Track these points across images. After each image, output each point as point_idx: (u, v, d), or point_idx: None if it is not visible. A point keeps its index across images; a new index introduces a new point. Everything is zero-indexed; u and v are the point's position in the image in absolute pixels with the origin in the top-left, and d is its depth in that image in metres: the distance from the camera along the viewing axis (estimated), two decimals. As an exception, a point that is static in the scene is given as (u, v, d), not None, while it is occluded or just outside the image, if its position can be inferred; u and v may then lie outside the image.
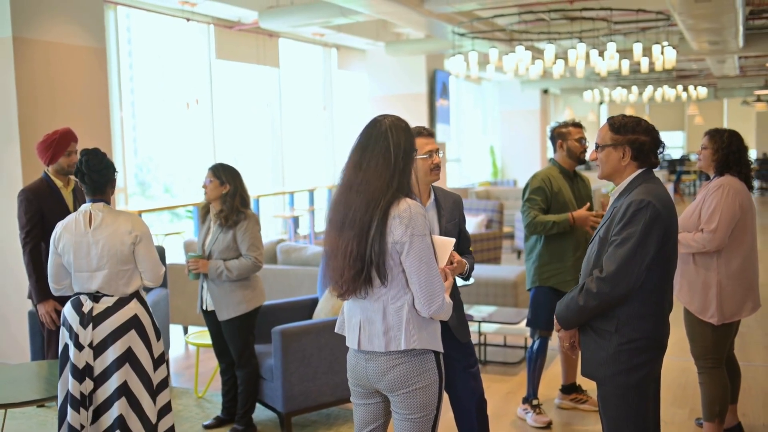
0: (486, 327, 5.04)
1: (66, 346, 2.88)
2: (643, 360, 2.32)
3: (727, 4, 6.67)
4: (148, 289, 4.04)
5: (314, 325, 3.69)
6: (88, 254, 2.86)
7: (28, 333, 4.32)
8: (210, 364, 4.90)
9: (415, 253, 2.04)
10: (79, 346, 2.83)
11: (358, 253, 2.06)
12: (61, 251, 2.89)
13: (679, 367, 4.59)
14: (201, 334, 4.42)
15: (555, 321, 2.50)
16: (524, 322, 4.77)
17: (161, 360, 2.98)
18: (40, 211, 3.66)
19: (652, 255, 2.26)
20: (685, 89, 16.81)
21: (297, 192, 9.46)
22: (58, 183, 3.76)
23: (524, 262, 3.93)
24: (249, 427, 3.73)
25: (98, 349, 2.84)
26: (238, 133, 9.03)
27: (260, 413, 3.96)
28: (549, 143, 3.84)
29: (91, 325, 2.83)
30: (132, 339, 2.86)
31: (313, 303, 4.18)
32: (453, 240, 2.27)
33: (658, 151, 2.40)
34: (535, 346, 3.81)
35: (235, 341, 3.66)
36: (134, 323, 2.87)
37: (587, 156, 3.73)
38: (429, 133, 2.73)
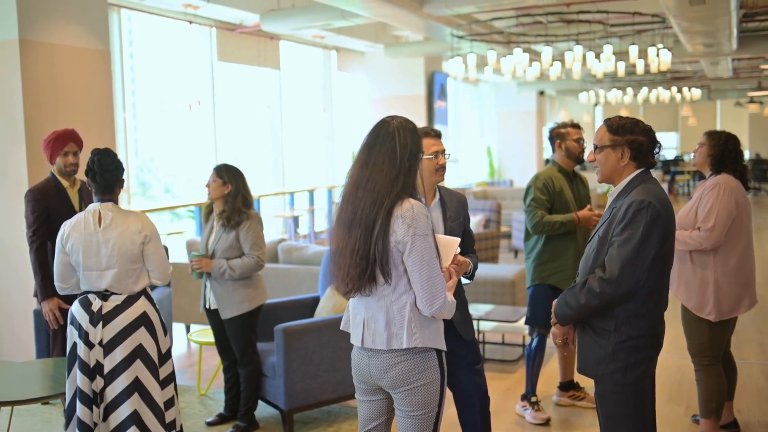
0: (484, 325, 5.10)
1: (75, 344, 2.90)
2: (640, 358, 2.34)
3: (721, 7, 6.75)
4: (152, 288, 4.08)
5: (316, 324, 3.72)
6: (98, 253, 2.88)
7: (33, 331, 4.35)
8: (212, 361, 4.93)
9: (417, 252, 2.07)
10: (89, 344, 2.86)
11: (364, 251, 2.09)
12: (69, 250, 2.91)
13: (675, 364, 4.65)
14: (203, 333, 4.45)
15: (552, 316, 2.52)
16: (522, 320, 4.84)
17: (168, 355, 3.02)
18: (47, 211, 3.69)
19: (653, 255, 2.28)
20: (679, 91, 16.92)
21: (297, 192, 9.52)
22: (65, 183, 3.78)
23: (524, 260, 3.97)
24: (251, 424, 3.76)
25: (108, 347, 2.86)
26: (239, 134, 9.07)
27: (262, 410, 4.00)
28: (545, 144, 3.90)
29: (101, 323, 2.86)
30: (142, 336, 2.89)
31: (315, 301, 4.22)
32: (458, 239, 2.28)
33: (655, 151, 2.42)
34: (534, 344, 3.85)
35: (238, 339, 3.70)
36: (143, 320, 2.91)
37: (585, 156, 3.78)
38: (436, 134, 2.76)
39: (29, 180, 4.78)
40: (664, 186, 15.27)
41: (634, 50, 8.53)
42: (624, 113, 17.29)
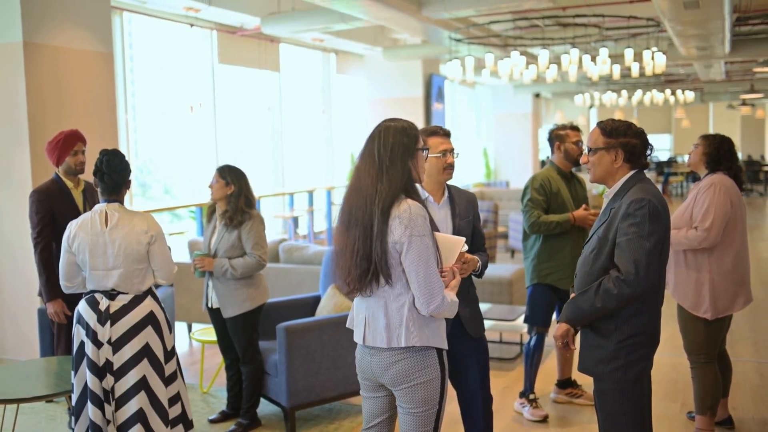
0: (483, 324, 5.14)
1: (82, 343, 2.92)
2: (639, 355, 2.36)
3: (714, 11, 6.83)
4: (155, 287, 4.12)
5: (317, 322, 3.74)
6: (105, 253, 2.91)
7: (37, 330, 4.38)
8: (214, 360, 4.97)
9: (414, 253, 2.10)
10: (98, 343, 2.88)
11: (365, 252, 2.12)
12: (76, 250, 2.93)
13: (670, 362, 4.70)
14: (205, 331, 4.48)
15: (559, 320, 2.50)
16: (519, 319, 4.90)
17: (173, 352, 3.06)
18: (51, 212, 3.70)
19: (660, 250, 2.30)
20: (673, 93, 17.04)
21: (296, 193, 9.57)
22: (69, 184, 3.80)
23: (523, 260, 4.02)
24: (254, 421, 3.80)
25: (116, 346, 2.89)
26: (239, 136, 9.12)
27: (264, 408, 4.04)
28: (541, 145, 3.95)
29: (108, 322, 2.89)
30: (149, 334, 2.93)
31: (315, 300, 4.25)
32: (462, 239, 2.29)
33: (647, 153, 2.46)
34: (533, 342, 3.88)
35: (240, 338, 3.73)
36: (150, 319, 2.95)
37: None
38: (444, 133, 2.75)
39: (33, 181, 4.81)
40: (658, 187, 15.36)
41: (629, 53, 8.62)
42: (618, 115, 17.42)
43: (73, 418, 2.96)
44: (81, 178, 3.89)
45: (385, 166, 2.14)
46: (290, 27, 7.90)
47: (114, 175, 2.96)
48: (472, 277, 2.76)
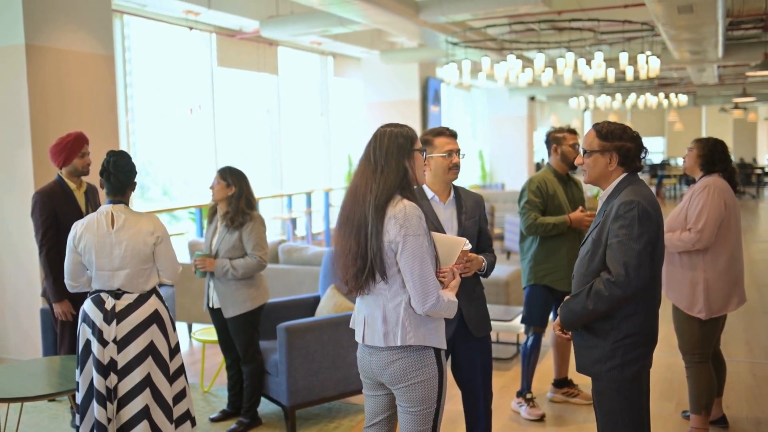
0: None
1: (87, 341, 2.95)
2: (637, 354, 2.38)
3: (708, 16, 6.90)
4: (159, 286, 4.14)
5: (317, 322, 3.77)
6: (111, 254, 2.94)
7: (39, 329, 4.41)
8: (214, 359, 5.00)
9: (409, 252, 2.12)
10: (104, 342, 2.92)
11: (359, 250, 2.16)
12: (82, 250, 2.96)
13: (665, 362, 4.75)
14: (206, 331, 4.50)
15: (557, 324, 2.52)
16: (516, 319, 4.95)
17: (177, 349, 3.10)
18: (54, 213, 3.73)
19: (650, 251, 2.32)
20: (666, 97, 17.16)
21: (295, 195, 9.61)
22: (71, 185, 3.82)
23: (519, 261, 4.06)
24: (254, 420, 3.83)
25: (122, 344, 2.92)
26: (238, 138, 9.15)
27: (265, 407, 4.07)
28: (536, 148, 3.98)
29: (114, 321, 2.93)
30: (154, 333, 2.96)
31: (315, 301, 4.28)
32: (463, 240, 2.32)
33: (641, 156, 2.48)
34: (529, 342, 3.91)
35: (240, 338, 3.76)
36: (155, 318, 2.98)
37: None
38: (451, 134, 2.79)
39: (35, 182, 4.83)
40: (652, 189, 15.46)
41: (624, 57, 8.70)
42: (612, 118, 17.48)
43: (78, 416, 2.98)
44: (83, 180, 3.91)
45: (380, 166, 2.18)
46: (289, 30, 7.95)
47: (120, 176, 2.99)
48: (479, 277, 2.80)
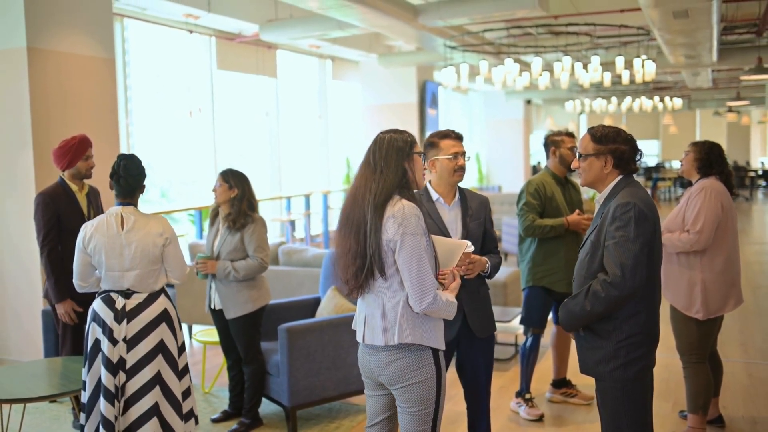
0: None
1: (97, 341, 2.99)
2: (639, 354, 2.40)
3: (703, 21, 6.96)
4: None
5: (318, 323, 3.79)
6: (121, 255, 2.98)
7: (41, 331, 4.41)
8: (215, 360, 5.02)
9: (407, 250, 2.14)
10: (114, 341, 2.95)
11: (358, 249, 2.19)
12: (91, 252, 3.00)
13: (662, 362, 4.74)
14: (207, 332, 4.52)
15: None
16: (514, 320, 4.98)
17: (183, 348, 3.14)
18: (57, 215, 3.73)
19: (647, 252, 2.34)
20: (661, 100, 17.26)
21: (293, 197, 9.63)
22: (74, 187, 3.83)
23: (518, 263, 4.10)
24: (255, 420, 3.85)
25: (132, 343, 2.96)
26: (237, 140, 9.18)
27: (266, 407, 4.09)
28: (532, 150, 4.02)
29: (125, 320, 2.97)
30: (163, 331, 3.01)
31: (315, 302, 4.31)
32: (465, 242, 2.35)
33: (636, 158, 2.51)
34: (528, 343, 3.93)
35: (242, 339, 3.78)
36: (164, 317, 3.03)
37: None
38: (456, 136, 2.83)
39: (37, 184, 4.84)
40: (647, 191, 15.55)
41: (620, 61, 8.77)
42: (608, 122, 17.64)
43: (83, 415, 3.01)
44: (86, 182, 3.93)
45: (380, 167, 2.22)
46: (288, 34, 7.99)
47: (129, 179, 3.03)
48: (484, 278, 2.82)
